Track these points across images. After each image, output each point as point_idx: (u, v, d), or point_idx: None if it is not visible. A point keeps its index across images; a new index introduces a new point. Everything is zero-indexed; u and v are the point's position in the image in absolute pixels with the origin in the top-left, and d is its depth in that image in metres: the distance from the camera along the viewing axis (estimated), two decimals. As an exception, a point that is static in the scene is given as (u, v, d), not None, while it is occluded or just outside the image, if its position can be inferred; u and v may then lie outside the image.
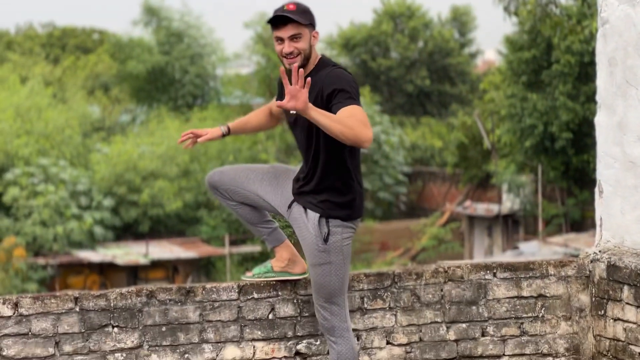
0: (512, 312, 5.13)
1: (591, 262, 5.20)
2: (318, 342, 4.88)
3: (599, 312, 5.12)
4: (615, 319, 5.00)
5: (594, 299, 5.17)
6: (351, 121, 4.10)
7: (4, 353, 4.61)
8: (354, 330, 4.92)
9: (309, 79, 4.04)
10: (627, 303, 4.91)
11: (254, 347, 4.85)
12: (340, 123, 4.08)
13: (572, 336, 5.19)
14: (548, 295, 5.17)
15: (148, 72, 42.49)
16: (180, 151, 34.81)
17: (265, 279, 4.82)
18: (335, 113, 4.16)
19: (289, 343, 4.88)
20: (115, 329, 4.71)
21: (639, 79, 5.05)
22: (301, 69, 4.03)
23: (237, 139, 34.25)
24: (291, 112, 4.27)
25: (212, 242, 32.91)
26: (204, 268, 32.28)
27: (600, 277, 5.12)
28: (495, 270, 5.13)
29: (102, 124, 41.98)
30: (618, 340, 4.99)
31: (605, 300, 5.08)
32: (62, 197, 31.91)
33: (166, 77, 43.19)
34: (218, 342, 4.81)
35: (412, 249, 35.26)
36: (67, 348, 4.67)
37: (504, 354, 5.13)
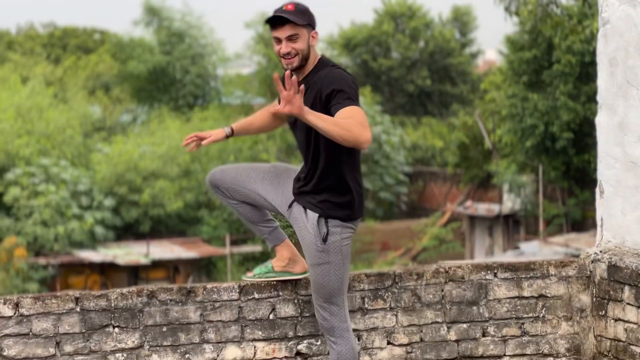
0: (513, 313, 5.14)
1: (592, 262, 5.20)
2: (319, 343, 4.89)
3: (600, 313, 5.12)
4: (616, 319, 5.00)
5: (594, 299, 5.17)
6: (349, 123, 4.10)
7: (5, 353, 4.61)
8: (354, 330, 4.92)
9: (302, 86, 4.03)
10: (628, 303, 4.91)
11: (254, 347, 4.85)
12: (338, 126, 4.09)
13: (573, 336, 5.19)
14: (549, 295, 5.17)
15: (149, 72, 42.50)
16: (181, 151, 34.78)
17: (266, 279, 4.82)
18: (334, 114, 4.17)
19: (290, 343, 4.88)
20: (116, 329, 4.72)
21: (639, 79, 5.05)
22: (294, 77, 4.02)
23: (238, 139, 34.26)
24: None
25: (213, 242, 32.91)
26: (205, 268, 32.28)
27: (601, 278, 5.12)
28: (496, 271, 5.13)
29: (103, 124, 41.98)
30: (619, 340, 4.99)
31: (606, 301, 5.08)
32: (63, 197, 31.92)
33: (167, 77, 43.20)
34: (219, 342, 4.81)
35: (413, 249, 35.26)
36: (68, 348, 4.68)
37: (504, 354, 5.13)
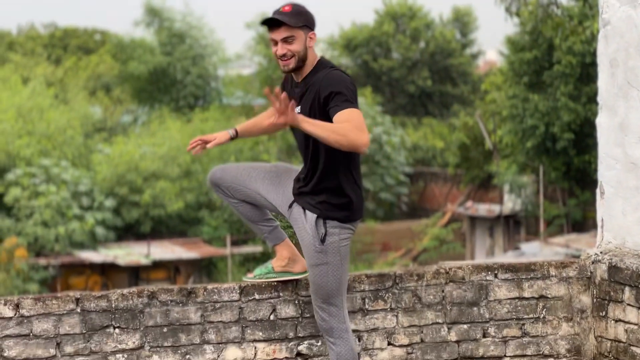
0: (514, 313, 5.14)
1: (592, 263, 5.20)
2: (319, 343, 4.89)
3: (600, 313, 5.12)
4: (617, 320, 5.00)
5: (595, 300, 5.17)
6: (346, 128, 4.11)
7: (6, 354, 4.62)
8: (355, 331, 4.92)
9: (292, 102, 4.04)
10: (629, 304, 4.91)
11: (255, 348, 4.85)
12: (335, 132, 4.11)
13: (573, 337, 5.19)
14: (549, 296, 5.17)
15: (150, 73, 42.52)
16: (182, 152, 34.80)
17: (267, 280, 4.82)
18: (332, 116, 4.19)
19: (290, 344, 4.88)
20: (117, 330, 4.72)
21: (640, 80, 5.06)
22: (284, 94, 4.03)
23: (239, 139, 34.21)
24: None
25: (214, 242, 32.92)
26: (206, 268, 32.29)
27: (601, 279, 5.12)
28: (496, 272, 5.13)
29: (104, 125, 42.00)
30: (619, 341, 4.99)
31: (606, 302, 5.08)
32: (63, 197, 31.92)
33: (168, 78, 43.22)
34: (219, 343, 4.82)
35: (414, 249, 35.26)
36: (68, 349, 4.68)
37: (505, 355, 5.13)
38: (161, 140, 35.74)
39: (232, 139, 4.75)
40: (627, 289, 4.92)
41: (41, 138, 34.58)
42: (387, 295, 4.98)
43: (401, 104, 49.25)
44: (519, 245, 28.97)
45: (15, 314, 4.63)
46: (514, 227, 33.59)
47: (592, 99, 25.55)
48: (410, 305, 5.01)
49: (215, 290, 4.82)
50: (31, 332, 4.64)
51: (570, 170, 29.10)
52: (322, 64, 4.41)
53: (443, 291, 5.06)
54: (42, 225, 31.20)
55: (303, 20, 4.36)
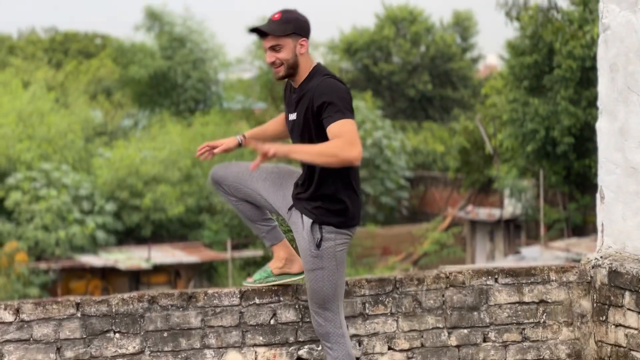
0: (514, 318, 5.14)
1: (592, 267, 5.21)
2: (319, 348, 4.89)
3: (601, 318, 5.12)
4: (617, 325, 5.00)
5: (595, 304, 5.17)
6: (335, 146, 4.16)
7: (6, 359, 4.61)
8: (355, 335, 4.92)
9: (273, 153, 4.11)
10: (629, 309, 4.91)
11: (255, 352, 4.85)
12: (324, 154, 4.17)
13: (573, 342, 5.19)
14: (549, 301, 5.17)
15: (150, 77, 42.52)
16: (182, 156, 34.81)
17: (267, 284, 4.83)
18: (325, 127, 4.22)
19: (291, 348, 4.89)
20: (117, 335, 4.72)
21: (640, 84, 5.06)
22: (259, 145, 4.15)
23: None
24: (289, 119, 4.35)
25: (214, 246, 32.91)
26: (206, 272, 32.27)
27: (601, 283, 5.13)
28: (496, 276, 5.13)
29: (105, 129, 42.00)
30: (619, 346, 4.99)
31: (606, 306, 5.08)
32: (64, 201, 31.91)
33: (168, 82, 43.22)
34: (220, 348, 4.82)
35: (414, 253, 35.23)
36: (69, 354, 4.68)
37: (505, 360, 5.14)
38: (162, 144, 35.74)
39: (240, 145, 4.76)
40: (627, 293, 4.92)
41: (42, 142, 34.58)
42: (387, 299, 4.98)
43: (401, 108, 49.25)
44: (520, 249, 28.96)
45: (15, 319, 4.63)
46: (515, 231, 33.58)
47: (592, 103, 25.55)
48: (410, 310, 5.01)
49: (216, 295, 4.82)
50: (31, 336, 4.64)
51: (570, 174, 29.09)
52: (318, 71, 4.41)
53: (443, 296, 5.06)
54: (42, 230, 31.18)
55: (292, 27, 4.36)
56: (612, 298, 5.04)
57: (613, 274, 5.03)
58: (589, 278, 5.20)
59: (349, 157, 4.17)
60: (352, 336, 4.93)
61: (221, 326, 4.81)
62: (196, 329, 4.79)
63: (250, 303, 4.84)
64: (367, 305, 4.96)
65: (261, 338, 4.85)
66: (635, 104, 5.08)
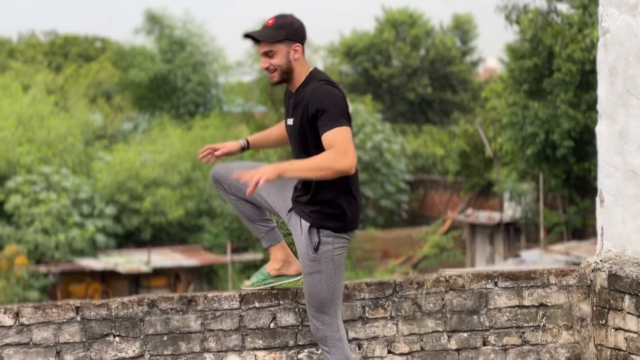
0: (514, 322, 5.14)
1: (592, 271, 5.21)
2: (319, 352, 4.89)
3: (600, 322, 5.12)
4: (617, 329, 5.00)
5: (595, 308, 5.17)
6: (327, 160, 4.17)
7: (6, 362, 4.62)
8: (355, 339, 4.92)
9: (263, 181, 4.08)
10: (629, 312, 4.91)
11: (255, 356, 4.85)
12: (317, 169, 4.18)
13: (573, 345, 5.19)
14: (549, 304, 5.17)
15: (150, 80, 42.55)
16: (182, 159, 34.83)
17: (265, 287, 4.83)
18: (320, 136, 4.23)
19: (291, 352, 4.88)
20: (117, 339, 4.72)
21: (639, 88, 5.06)
22: (244, 175, 4.13)
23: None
24: (287, 124, 4.35)
25: (214, 250, 32.91)
26: (206, 276, 32.28)
27: (601, 287, 5.12)
28: (496, 280, 5.13)
29: (104, 132, 42.01)
30: (619, 349, 4.99)
31: (606, 310, 5.08)
32: (64, 205, 31.92)
33: (168, 85, 43.24)
34: (219, 352, 4.82)
35: (414, 257, 35.25)
36: (68, 358, 4.67)
37: (505, 364, 5.14)
38: (161, 148, 35.75)
39: (243, 149, 4.77)
40: (627, 297, 4.92)
41: (41, 145, 34.59)
42: (387, 303, 4.98)
43: (401, 111, 49.29)
44: (519, 252, 28.96)
45: (15, 323, 4.63)
46: (514, 234, 33.59)
47: (592, 107, 25.57)
48: (410, 314, 5.01)
49: (216, 299, 4.82)
50: (31, 340, 4.64)
51: (570, 177, 29.10)
52: (314, 76, 4.41)
53: (443, 299, 5.06)
54: (42, 233, 31.19)
55: (285, 33, 4.36)
56: (611, 302, 5.04)
57: (613, 277, 5.03)
58: (589, 281, 5.20)
59: (342, 168, 4.18)
60: (352, 340, 4.93)
61: (221, 330, 4.81)
62: (196, 333, 4.79)
63: (250, 307, 4.84)
64: (366, 308, 4.96)
65: (261, 342, 4.84)
66: (634, 107, 5.08)
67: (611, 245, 5.25)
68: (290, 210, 4.52)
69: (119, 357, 4.71)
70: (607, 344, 5.07)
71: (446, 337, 5.06)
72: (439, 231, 36.12)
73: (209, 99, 44.37)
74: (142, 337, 4.73)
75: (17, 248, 30.05)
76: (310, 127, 4.29)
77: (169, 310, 4.76)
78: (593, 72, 23.38)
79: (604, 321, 5.10)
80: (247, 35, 4.41)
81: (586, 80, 27.04)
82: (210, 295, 4.83)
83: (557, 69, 27.50)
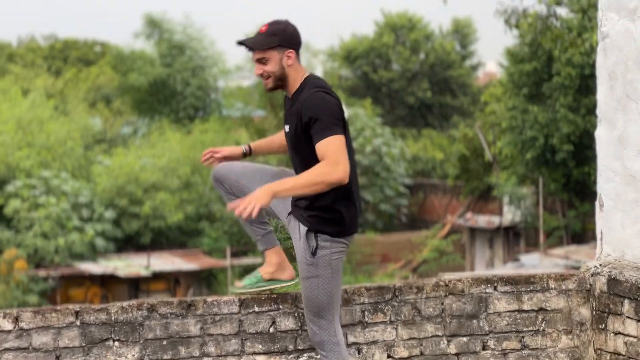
0: (513, 326, 5.14)
1: (592, 275, 5.21)
2: (319, 356, 4.88)
3: (600, 326, 5.12)
4: (616, 333, 5.00)
5: (594, 312, 5.17)
6: (318, 174, 4.18)
7: (5, 367, 4.61)
8: (354, 343, 4.92)
9: (255, 211, 4.07)
10: (628, 317, 4.91)
11: (254, 360, 4.85)
12: (309, 184, 4.19)
13: (573, 350, 5.19)
14: (549, 309, 5.17)
15: (150, 84, 42.55)
16: (182, 163, 34.83)
17: (257, 289, 4.82)
18: (314, 145, 4.24)
19: (290, 357, 4.88)
20: (116, 343, 4.71)
21: (639, 93, 5.07)
22: (234, 205, 4.13)
23: (241, 144, 34.16)
24: (285, 130, 4.36)
25: (214, 254, 32.90)
26: (206, 280, 32.26)
27: (601, 291, 5.12)
28: (496, 284, 5.13)
29: (104, 136, 42.01)
30: (619, 354, 4.98)
31: (606, 314, 5.08)
32: (63, 209, 31.91)
33: (168, 89, 43.24)
34: (219, 356, 4.81)
35: (414, 261, 35.21)
36: (68, 362, 4.67)
37: (504, 368, 5.13)
38: (161, 152, 35.75)
39: (245, 155, 4.77)
40: (626, 301, 4.92)
41: (41, 150, 34.59)
42: (386, 307, 4.98)
43: (401, 115, 49.30)
44: (519, 256, 28.93)
45: (14, 327, 4.63)
46: (514, 238, 33.57)
47: (592, 111, 25.57)
48: (409, 318, 5.01)
49: (215, 303, 4.82)
50: (30, 345, 4.64)
51: (569, 181, 29.10)
52: (309, 82, 4.41)
53: (442, 304, 5.06)
54: (41, 237, 31.18)
55: (277, 40, 4.37)
56: (611, 306, 5.04)
57: (612, 282, 5.03)
58: (588, 286, 5.20)
59: (334, 180, 4.19)
60: (352, 344, 4.93)
61: (220, 334, 4.81)
62: (195, 337, 4.79)
63: (250, 311, 4.83)
64: (366, 313, 4.96)
65: (260, 346, 4.84)
66: (634, 112, 5.09)
67: (611, 250, 5.25)
68: (289, 214, 4.52)
69: (118, 362, 4.71)
70: (607, 348, 5.07)
71: (446, 342, 5.06)
72: (438, 235, 36.09)
73: (208, 103, 44.37)
74: (141, 341, 4.73)
75: (16, 252, 30.04)
76: (304, 134, 4.29)
77: (169, 315, 4.76)
78: (592, 76, 23.40)
79: (603, 325, 5.09)
80: (241, 43, 4.42)
81: (585, 85, 27.05)
82: (209, 299, 4.83)
83: (557, 73, 27.51)
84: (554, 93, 27.75)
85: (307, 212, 4.41)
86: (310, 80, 4.43)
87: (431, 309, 5.03)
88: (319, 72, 48.45)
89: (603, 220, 5.31)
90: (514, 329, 5.13)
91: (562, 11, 28.65)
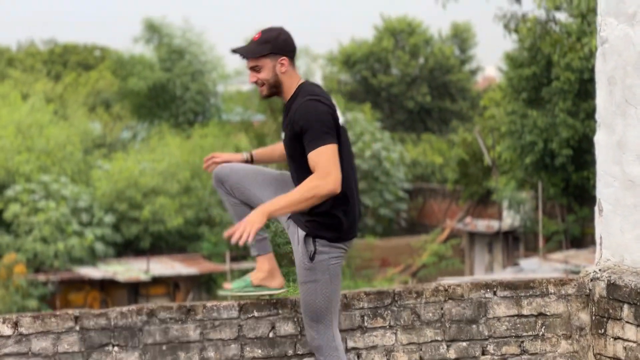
0: (513, 331, 5.14)
1: (591, 280, 5.21)
2: (318, 361, 4.88)
3: (599, 331, 5.12)
4: (616, 338, 5.00)
5: (594, 317, 5.17)
6: (310, 188, 4.20)
7: (5, 372, 4.61)
8: (354, 348, 4.92)
9: (250, 237, 4.12)
10: (627, 322, 4.91)
11: (254, 365, 4.84)
12: (302, 199, 4.21)
13: (572, 355, 5.19)
14: (548, 313, 5.17)
15: (149, 89, 42.55)
16: (181, 168, 34.83)
17: (243, 294, 4.81)
18: (307, 155, 4.25)
19: (289, 362, 4.88)
20: (116, 348, 4.71)
21: (638, 98, 5.07)
22: (229, 234, 4.21)
23: (240, 148, 34.19)
24: (282, 137, 4.37)
25: (213, 258, 32.88)
26: (205, 284, 32.24)
27: (600, 296, 5.13)
28: (495, 289, 5.13)
29: (103, 141, 42.01)
30: (618, 359, 4.98)
31: (605, 319, 5.08)
32: (63, 213, 31.91)
33: (167, 94, 43.24)
34: (218, 361, 4.81)
35: (413, 265, 35.22)
36: (68, 367, 4.67)
37: (504, 373, 5.13)
38: (160, 156, 35.75)
39: (246, 162, 4.77)
40: (625, 306, 4.92)
41: (40, 154, 34.58)
42: (386, 312, 4.98)
43: (400, 119, 49.32)
44: (518, 261, 28.93)
45: (13, 332, 4.62)
46: (513, 243, 33.57)
47: (591, 116, 25.58)
48: (409, 323, 5.01)
49: (215, 308, 4.82)
50: (30, 350, 4.63)
51: (568, 186, 29.11)
52: (302, 90, 4.42)
53: (442, 309, 5.06)
54: (41, 242, 31.17)
55: (269, 47, 4.38)
56: (610, 311, 5.04)
57: (612, 286, 5.03)
58: (588, 291, 5.20)
59: (326, 192, 4.21)
60: (351, 349, 4.93)
61: (220, 339, 4.81)
62: (195, 342, 4.79)
63: (249, 316, 4.83)
64: (365, 318, 4.96)
65: (260, 351, 4.84)
66: (633, 117, 5.09)
67: (610, 255, 5.25)
68: (289, 218, 4.52)
69: (118, 367, 4.71)
70: (606, 353, 5.07)
71: (445, 347, 5.05)
72: (437, 240, 36.10)
73: (207, 108, 44.37)
74: (141, 346, 4.73)
75: (16, 257, 30.03)
76: (298, 143, 4.30)
77: (168, 320, 4.76)
78: (591, 80, 23.41)
79: (602, 330, 5.09)
80: (235, 51, 4.44)
81: (585, 89, 27.07)
82: (209, 304, 4.82)
83: (556, 78, 27.53)
84: (553, 98, 27.77)
85: (306, 217, 4.41)
86: (304, 88, 4.43)
87: (431, 314, 5.03)
88: (318, 77, 48.49)
89: (602, 225, 5.31)
90: (514, 334, 5.13)
91: (561, 16, 28.69)
